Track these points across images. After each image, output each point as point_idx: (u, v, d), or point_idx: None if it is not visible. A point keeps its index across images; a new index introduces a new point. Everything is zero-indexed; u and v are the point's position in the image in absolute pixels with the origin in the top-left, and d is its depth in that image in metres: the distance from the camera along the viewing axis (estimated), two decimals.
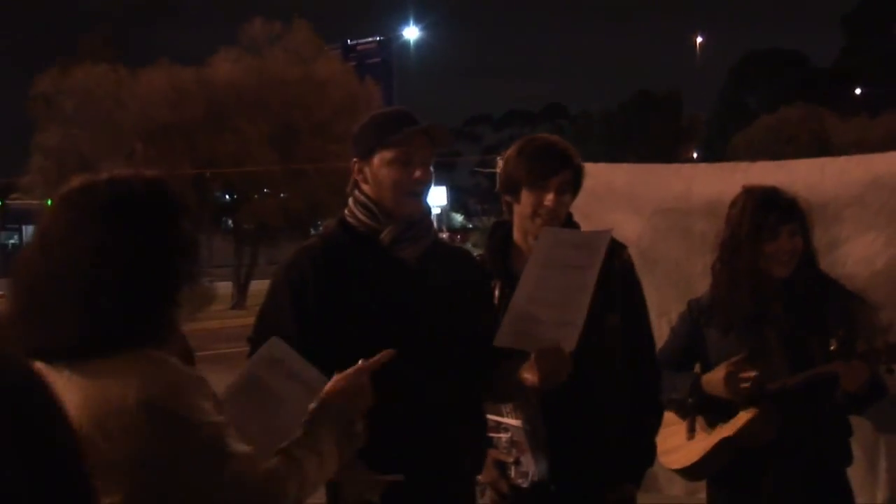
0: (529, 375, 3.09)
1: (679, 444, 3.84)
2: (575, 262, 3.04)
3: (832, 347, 3.49)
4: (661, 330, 4.40)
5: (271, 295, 3.26)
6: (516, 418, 3.56)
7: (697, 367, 3.89)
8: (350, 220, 3.25)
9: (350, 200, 3.27)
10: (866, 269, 3.91)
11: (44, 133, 29.38)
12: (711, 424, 3.76)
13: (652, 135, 57.63)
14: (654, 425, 3.69)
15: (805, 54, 68.66)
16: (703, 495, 4.67)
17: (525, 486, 3.55)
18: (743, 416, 3.65)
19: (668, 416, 3.90)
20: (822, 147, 36.59)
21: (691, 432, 3.80)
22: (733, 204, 3.77)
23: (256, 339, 3.21)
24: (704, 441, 3.75)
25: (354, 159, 3.25)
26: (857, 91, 57.65)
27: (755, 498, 3.70)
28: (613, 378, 3.55)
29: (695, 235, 4.72)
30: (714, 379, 3.67)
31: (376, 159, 3.18)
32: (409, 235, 3.19)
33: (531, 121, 68.84)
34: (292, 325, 3.13)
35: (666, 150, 51.46)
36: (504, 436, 3.59)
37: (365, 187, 3.22)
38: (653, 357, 3.72)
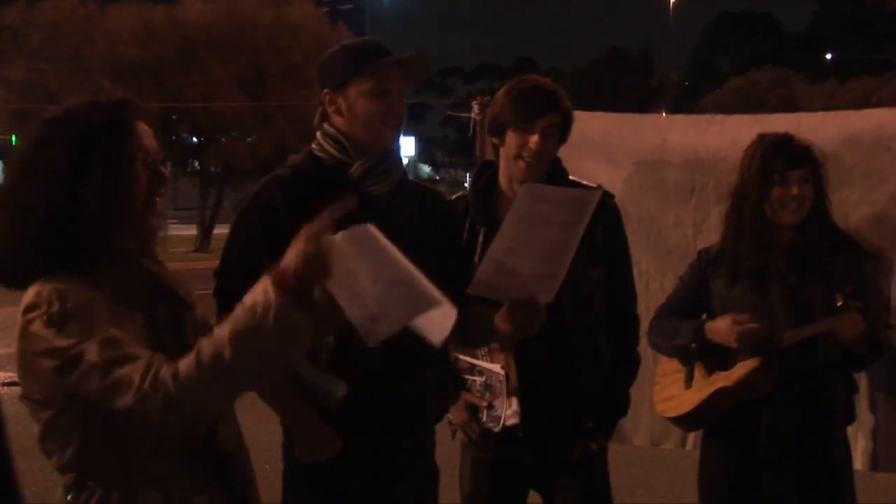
0: (502, 324, 3.06)
1: (676, 393, 3.83)
2: (559, 218, 2.95)
3: (838, 304, 3.47)
4: None
5: (239, 225, 3.17)
6: (493, 362, 3.55)
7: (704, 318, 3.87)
8: (318, 152, 3.16)
9: (318, 133, 3.18)
10: (839, 226, 3.89)
11: (9, 66, 28.85)
12: (710, 371, 3.75)
13: (622, 93, 57.58)
14: (629, 377, 3.68)
15: (777, 19, 68.86)
16: (667, 445, 4.72)
17: (496, 430, 3.54)
18: (740, 368, 3.64)
19: (668, 365, 3.90)
20: (790, 111, 36.65)
21: (688, 382, 3.80)
22: (746, 149, 3.74)
23: (224, 271, 3.16)
24: (700, 391, 3.75)
25: (325, 90, 3.14)
26: (828, 56, 57.78)
27: (750, 450, 3.69)
28: (591, 329, 3.54)
29: (668, 186, 4.71)
30: (720, 326, 3.66)
31: (352, 90, 3.08)
32: (379, 171, 3.12)
33: (501, 75, 68.53)
34: (262, 255, 3.06)
35: (635, 109, 51.47)
36: (478, 379, 3.58)
37: (336, 119, 3.13)
38: (633, 309, 3.71)
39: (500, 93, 3.59)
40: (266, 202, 3.10)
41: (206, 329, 2.33)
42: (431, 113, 64.59)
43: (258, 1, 30.33)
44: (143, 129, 2.29)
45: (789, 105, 40.04)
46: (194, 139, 31.96)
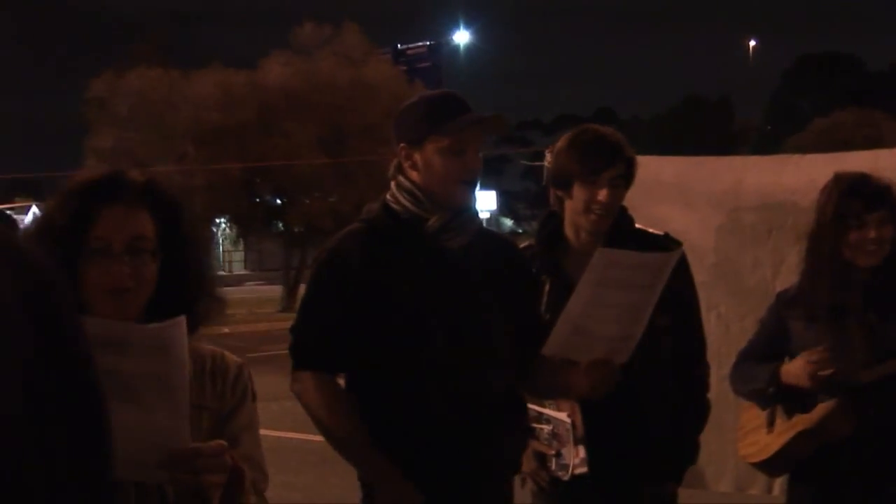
0: (577, 383, 3.06)
1: (758, 438, 3.77)
2: (636, 282, 2.95)
3: None
4: (710, 324, 4.36)
5: (315, 282, 3.20)
6: (558, 410, 3.53)
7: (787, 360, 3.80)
8: (394, 205, 3.16)
9: (393, 185, 3.18)
10: None
11: (98, 136, 29.65)
12: (790, 415, 3.68)
13: (702, 140, 57.22)
14: (699, 423, 3.64)
15: (860, 58, 67.97)
16: (754, 490, 4.62)
17: (565, 478, 3.51)
18: (820, 409, 3.57)
19: (750, 410, 3.84)
20: None
21: (770, 426, 3.73)
22: (822, 191, 3.67)
23: (299, 328, 3.19)
24: (782, 435, 3.68)
25: (402, 144, 3.15)
26: None
27: (836, 495, 3.61)
28: (658, 377, 3.50)
29: (745, 228, 4.68)
30: (793, 369, 3.60)
31: (428, 147, 3.08)
32: (456, 224, 3.12)
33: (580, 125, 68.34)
34: (336, 313, 3.09)
35: (717, 156, 50.98)
36: (546, 427, 3.56)
37: (413, 174, 3.13)
38: (702, 356, 3.67)
39: (562, 144, 3.55)
40: (341, 261, 3.11)
41: None
42: (511, 166, 64.77)
43: (336, 62, 30.81)
44: (112, 214, 2.18)
45: (876, 146, 39.40)
46: (277, 200, 32.43)
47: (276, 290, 32.98)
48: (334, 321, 3.10)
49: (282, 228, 32.93)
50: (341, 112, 30.06)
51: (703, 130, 58.38)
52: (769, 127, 65.91)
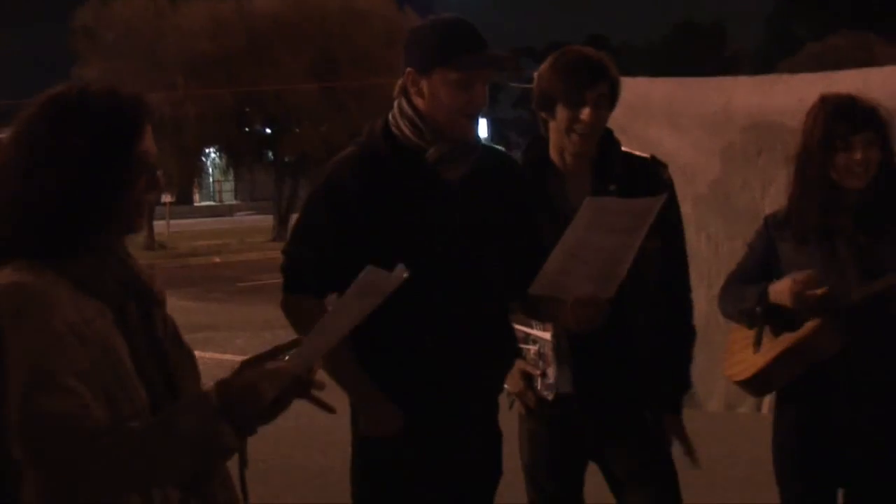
0: (565, 318, 3.08)
1: (744, 357, 3.78)
2: (622, 226, 2.95)
3: None
4: (700, 245, 4.37)
5: (311, 206, 3.19)
6: (544, 330, 3.54)
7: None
8: (394, 129, 3.13)
9: (395, 108, 3.15)
10: None
11: (85, 66, 29.36)
12: (778, 334, 3.69)
13: (696, 66, 57.01)
14: (689, 352, 3.69)
15: None
16: (743, 409, 4.67)
17: (550, 398, 3.54)
18: (808, 328, 3.59)
19: (738, 332, 3.86)
20: None
21: (757, 345, 3.75)
22: (808, 112, 3.64)
23: (291, 249, 3.20)
24: (767, 353, 3.69)
25: (409, 69, 3.09)
26: None
27: (824, 415, 3.63)
28: (648, 298, 3.51)
29: (734, 149, 4.67)
30: (781, 288, 3.60)
31: (437, 76, 3.04)
32: (455, 155, 3.11)
33: None
34: (330, 239, 3.10)
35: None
36: (532, 347, 3.57)
37: (417, 101, 3.09)
38: (685, 278, 3.69)
39: (545, 66, 3.51)
40: (338, 187, 3.11)
41: (174, 329, 2.30)
42: (504, 94, 64.43)
43: None
44: (149, 130, 2.26)
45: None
46: (267, 130, 32.31)
47: (268, 220, 33.00)
48: (327, 246, 3.11)
49: (272, 158, 32.85)
50: (332, 40, 29.83)
51: (697, 57, 58.10)
52: (763, 52, 65.57)
